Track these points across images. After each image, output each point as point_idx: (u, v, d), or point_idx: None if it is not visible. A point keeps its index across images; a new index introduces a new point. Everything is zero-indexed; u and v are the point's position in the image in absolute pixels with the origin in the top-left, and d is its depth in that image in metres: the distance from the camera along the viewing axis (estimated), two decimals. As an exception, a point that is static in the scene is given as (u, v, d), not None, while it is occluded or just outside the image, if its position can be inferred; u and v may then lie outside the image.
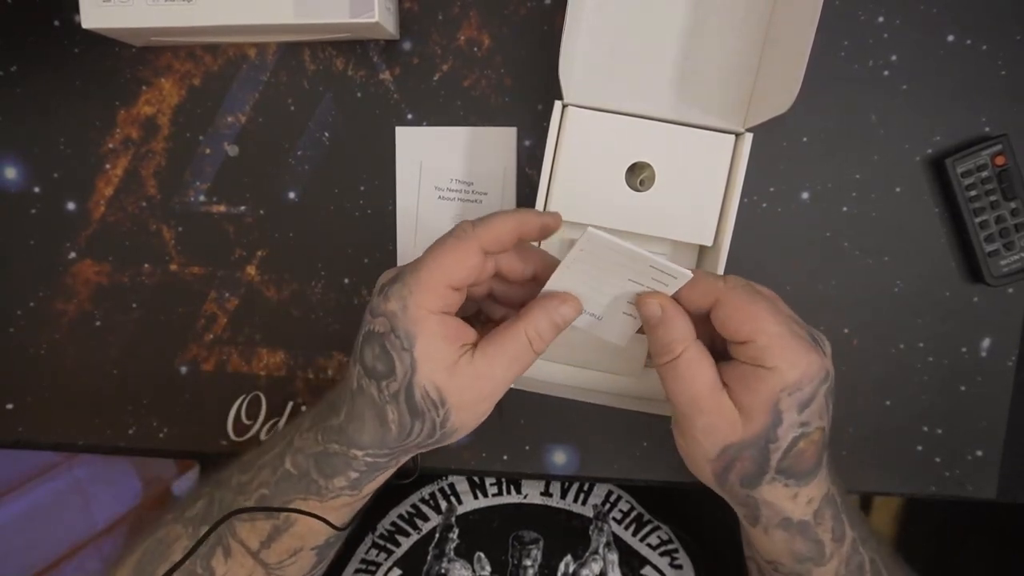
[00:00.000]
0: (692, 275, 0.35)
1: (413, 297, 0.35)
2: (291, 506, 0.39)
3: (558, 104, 0.45)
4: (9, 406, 0.54)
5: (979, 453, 0.53)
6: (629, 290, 0.37)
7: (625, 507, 0.56)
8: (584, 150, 0.46)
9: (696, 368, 0.36)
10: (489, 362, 0.36)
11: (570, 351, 0.47)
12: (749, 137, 0.44)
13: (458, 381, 0.35)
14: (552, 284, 0.37)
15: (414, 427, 0.36)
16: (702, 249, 0.48)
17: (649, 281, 0.36)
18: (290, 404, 0.53)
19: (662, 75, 0.46)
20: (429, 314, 0.35)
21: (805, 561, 0.38)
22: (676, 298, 0.37)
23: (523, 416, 0.53)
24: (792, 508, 0.37)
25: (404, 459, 0.40)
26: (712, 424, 0.35)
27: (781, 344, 0.34)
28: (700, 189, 0.46)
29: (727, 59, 0.46)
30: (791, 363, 0.34)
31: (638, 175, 0.47)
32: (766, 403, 0.34)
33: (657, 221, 0.46)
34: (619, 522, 0.55)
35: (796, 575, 0.39)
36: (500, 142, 0.50)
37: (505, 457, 0.54)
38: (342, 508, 0.41)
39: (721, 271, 0.45)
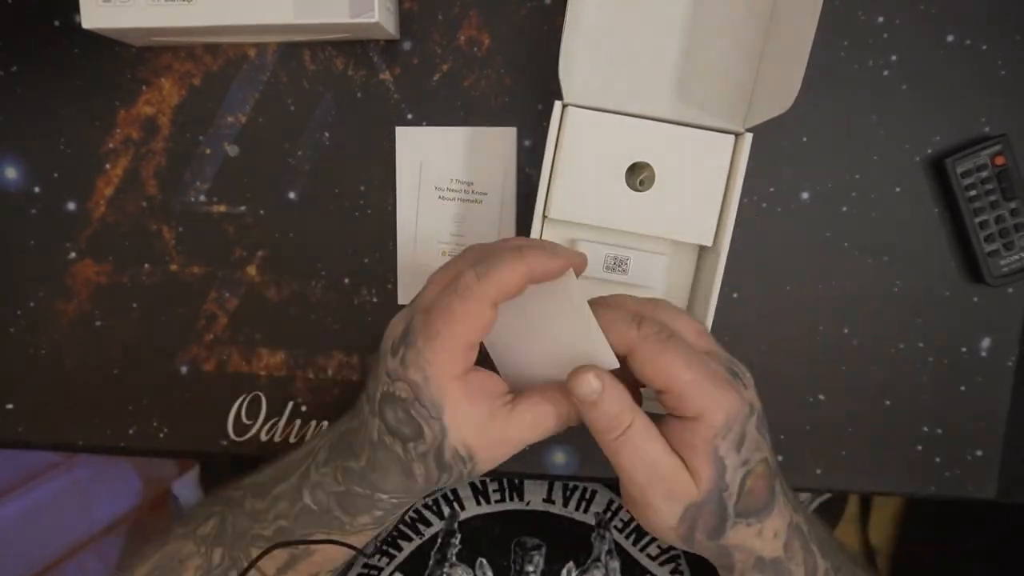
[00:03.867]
0: (616, 364, 0.35)
1: (433, 367, 0.34)
2: (312, 536, 0.40)
3: (558, 104, 0.45)
4: (9, 406, 0.54)
5: (979, 453, 0.53)
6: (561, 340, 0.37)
7: (626, 516, 0.56)
8: (584, 150, 0.46)
9: (649, 435, 0.35)
10: (519, 430, 0.36)
11: None
12: (749, 137, 0.44)
13: (487, 439, 0.36)
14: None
15: (441, 478, 0.37)
16: (702, 249, 0.48)
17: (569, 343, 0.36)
18: (290, 404, 0.53)
19: (662, 75, 0.46)
20: (452, 380, 0.35)
21: None
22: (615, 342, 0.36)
23: (523, 416, 0.53)
24: (761, 546, 0.37)
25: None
26: (671, 488, 0.35)
27: (696, 390, 0.34)
28: (700, 189, 0.46)
29: (727, 59, 0.46)
30: (712, 408, 0.34)
31: (638, 175, 0.47)
32: (704, 454, 0.34)
33: (657, 221, 0.46)
34: (620, 531, 0.54)
35: None
36: (500, 142, 0.50)
37: (505, 457, 0.54)
38: (363, 539, 0.41)
39: (721, 271, 0.45)
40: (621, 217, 0.46)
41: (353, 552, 0.41)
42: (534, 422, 0.36)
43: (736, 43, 0.46)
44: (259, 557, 0.39)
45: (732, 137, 0.45)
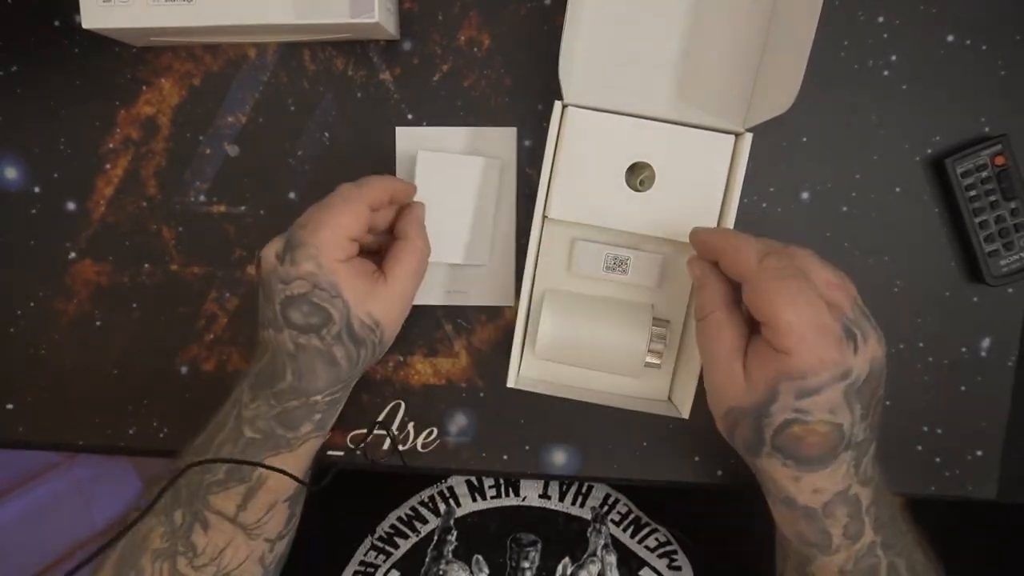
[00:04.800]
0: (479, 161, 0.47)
1: (323, 255, 0.40)
2: (263, 463, 0.43)
3: (558, 104, 0.45)
4: (9, 406, 0.54)
5: (979, 453, 0.53)
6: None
7: (623, 509, 0.56)
8: (584, 150, 0.46)
9: (718, 332, 0.39)
10: (401, 281, 0.44)
11: (574, 352, 0.47)
12: (749, 137, 0.45)
13: (383, 303, 0.43)
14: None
15: (360, 354, 0.43)
16: None
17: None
18: (290, 404, 0.53)
19: (662, 75, 0.46)
20: (339, 263, 0.41)
21: (810, 546, 0.40)
22: (720, 264, 0.40)
23: (523, 416, 0.53)
24: (795, 491, 0.39)
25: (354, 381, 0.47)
26: (721, 384, 0.39)
27: (794, 333, 0.35)
28: (700, 189, 0.46)
29: (727, 59, 0.46)
30: (800, 353, 0.35)
31: (638, 175, 0.47)
32: (767, 381, 0.36)
33: (657, 221, 0.46)
34: (617, 524, 0.55)
35: (802, 555, 0.41)
36: (500, 142, 0.50)
37: (505, 457, 0.54)
38: (310, 451, 0.46)
39: None
40: (621, 217, 0.46)
41: (304, 482, 0.46)
42: (407, 269, 0.44)
43: (736, 43, 0.46)
44: (181, 472, 0.42)
45: (732, 137, 0.45)
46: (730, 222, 0.45)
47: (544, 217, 0.47)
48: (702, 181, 0.46)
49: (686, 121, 0.46)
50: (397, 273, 0.43)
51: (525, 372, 0.50)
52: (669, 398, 0.50)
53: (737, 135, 0.45)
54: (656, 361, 0.47)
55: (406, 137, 0.51)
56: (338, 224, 0.41)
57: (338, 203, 0.41)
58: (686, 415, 0.47)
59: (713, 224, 0.46)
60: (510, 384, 0.47)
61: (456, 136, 0.50)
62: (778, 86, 0.42)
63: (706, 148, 0.46)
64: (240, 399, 0.44)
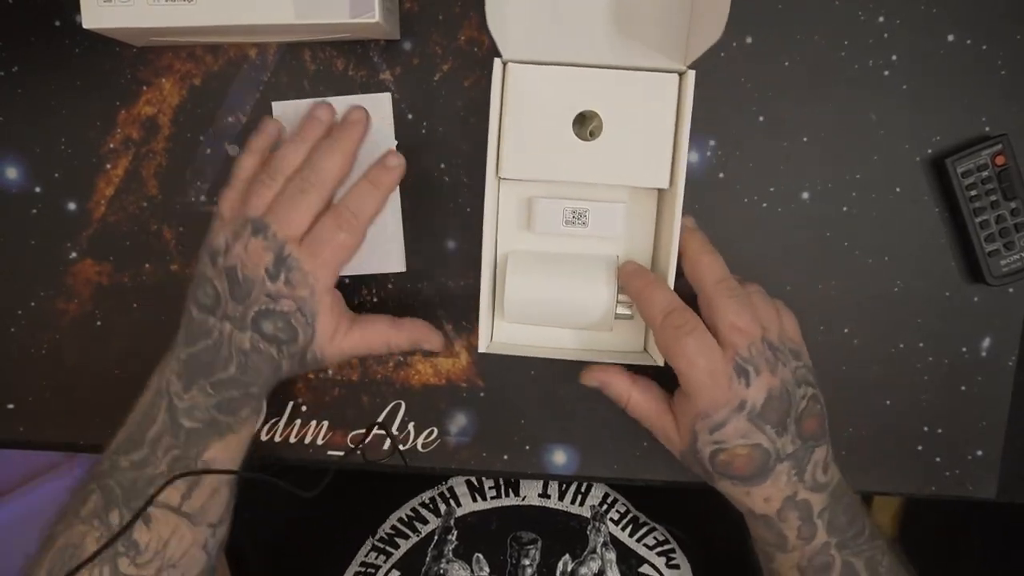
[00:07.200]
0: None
1: (319, 284, 0.44)
2: (208, 449, 0.45)
3: (498, 62, 0.44)
4: (9, 406, 0.54)
5: (979, 453, 0.53)
6: None
7: (622, 509, 0.56)
8: (529, 106, 0.45)
9: (642, 408, 0.47)
10: (354, 346, 0.47)
11: (543, 311, 0.47)
12: (692, 74, 0.44)
13: (333, 350, 0.46)
14: None
15: (296, 370, 0.47)
16: (660, 192, 0.48)
17: None
18: (290, 404, 0.53)
19: (597, 20, 0.45)
20: (327, 293, 0.44)
21: (770, 546, 0.46)
22: (646, 318, 0.45)
23: (523, 416, 0.53)
24: (750, 503, 0.44)
25: None
26: (665, 439, 0.47)
27: (692, 382, 0.42)
28: (650, 132, 0.45)
29: None
30: (699, 396, 0.42)
31: (587, 125, 0.46)
32: (686, 426, 0.44)
33: (611, 169, 0.46)
34: (616, 523, 0.55)
35: (765, 553, 0.47)
36: (371, 107, 0.49)
37: (505, 457, 0.54)
38: (251, 431, 0.48)
39: (679, 212, 0.44)
40: (575, 169, 0.46)
41: (243, 453, 0.48)
42: (370, 342, 0.47)
43: None
44: (164, 486, 0.43)
45: (676, 76, 0.45)
46: (682, 164, 0.44)
47: (499, 179, 0.47)
48: (651, 124, 0.45)
49: (628, 65, 0.45)
50: (356, 339, 0.47)
51: (497, 338, 0.50)
52: (645, 348, 0.50)
53: (680, 74, 0.45)
54: (627, 311, 0.47)
55: (283, 110, 0.50)
56: (338, 260, 0.44)
57: (342, 239, 0.44)
58: (662, 363, 0.46)
59: (666, 167, 0.45)
60: (481, 349, 0.46)
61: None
62: (709, 16, 0.41)
63: (651, 90, 0.45)
64: (166, 389, 0.45)
